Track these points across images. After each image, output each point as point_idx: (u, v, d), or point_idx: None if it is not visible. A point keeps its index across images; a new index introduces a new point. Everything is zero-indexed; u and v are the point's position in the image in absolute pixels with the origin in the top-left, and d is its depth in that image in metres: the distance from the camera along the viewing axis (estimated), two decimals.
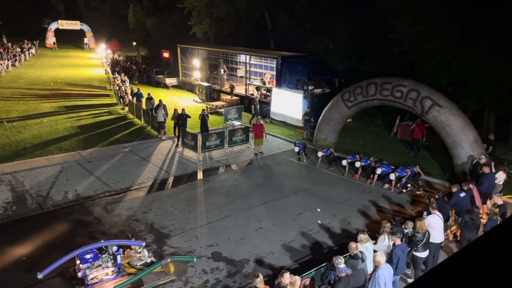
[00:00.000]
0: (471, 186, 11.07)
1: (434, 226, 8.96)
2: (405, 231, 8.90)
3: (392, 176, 13.38)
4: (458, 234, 10.49)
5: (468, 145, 13.96)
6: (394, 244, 8.01)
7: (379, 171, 13.75)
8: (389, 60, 22.89)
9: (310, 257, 9.84)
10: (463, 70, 16.83)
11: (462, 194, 10.55)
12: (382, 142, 19.15)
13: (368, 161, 14.51)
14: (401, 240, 8.10)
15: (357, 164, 14.31)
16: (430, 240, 8.77)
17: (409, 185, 13.67)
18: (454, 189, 10.69)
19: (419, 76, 17.41)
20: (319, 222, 11.44)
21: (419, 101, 14.52)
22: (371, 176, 14.30)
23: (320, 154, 15.56)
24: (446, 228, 10.06)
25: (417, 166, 13.93)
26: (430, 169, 15.70)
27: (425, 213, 9.76)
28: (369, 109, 19.73)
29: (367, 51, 25.36)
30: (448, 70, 17.40)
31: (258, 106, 21.54)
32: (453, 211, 10.85)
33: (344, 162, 14.77)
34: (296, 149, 16.33)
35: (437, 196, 10.48)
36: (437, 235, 9.00)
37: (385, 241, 8.36)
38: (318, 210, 11.87)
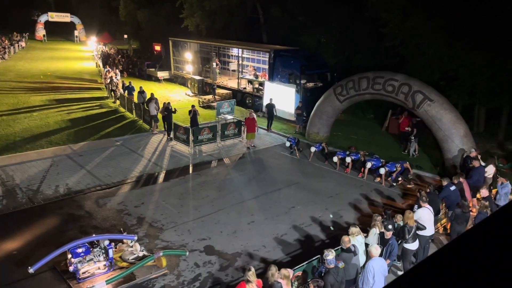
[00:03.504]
0: (461, 179, 11.19)
1: (425, 219, 9.05)
2: (396, 224, 8.99)
3: (382, 171, 13.51)
4: (448, 227, 10.62)
5: (458, 139, 14.08)
6: (384, 237, 8.12)
7: (369, 165, 13.87)
8: (381, 55, 22.96)
9: (302, 250, 9.89)
10: (454, 65, 16.96)
11: (452, 188, 10.66)
12: (374, 136, 19.26)
13: (359, 155, 14.61)
14: (392, 233, 8.20)
15: (348, 159, 14.40)
16: (421, 233, 8.87)
17: (400, 179, 13.77)
18: (445, 183, 10.80)
19: (410, 71, 17.50)
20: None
21: (410, 95, 14.60)
22: (362, 170, 14.40)
23: (313, 149, 15.61)
24: (436, 221, 10.17)
25: (407, 162, 14.05)
26: (421, 163, 15.84)
27: (415, 206, 9.86)
28: (361, 103, 19.81)
29: (359, 45, 25.41)
30: (439, 64, 17.52)
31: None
32: (443, 204, 10.97)
33: (335, 158, 14.85)
34: (288, 143, 16.35)
35: (428, 190, 10.58)
36: (428, 228, 9.09)
37: (376, 234, 8.44)
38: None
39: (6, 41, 46.53)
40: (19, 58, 41.80)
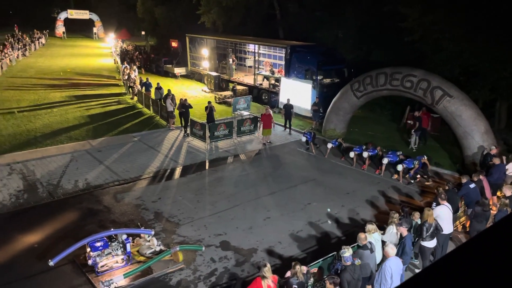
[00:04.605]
0: (481, 177, 10.98)
1: (443, 217, 8.92)
2: (413, 222, 8.88)
3: (400, 167, 13.31)
4: (467, 225, 10.44)
5: (478, 136, 13.81)
6: (401, 235, 8.01)
7: (385, 160, 13.70)
8: (399, 50, 22.63)
9: (318, 247, 9.87)
10: (474, 60, 16.60)
11: (472, 185, 10.47)
12: (392, 133, 19.02)
13: (376, 151, 14.44)
14: (408, 231, 8.10)
15: (365, 154, 14.25)
16: (439, 231, 8.74)
17: (418, 176, 13.58)
18: (464, 180, 10.61)
19: (430, 66, 17.21)
20: (329, 210, 11.45)
21: (429, 91, 14.37)
22: (379, 166, 14.25)
23: (329, 145, 15.51)
24: (455, 219, 10.01)
25: (425, 157, 13.82)
26: (440, 160, 15.59)
27: (434, 204, 9.71)
28: (379, 99, 19.57)
29: (377, 40, 25.09)
30: (459, 60, 17.17)
31: None
32: (462, 202, 10.78)
33: (352, 154, 14.70)
34: (303, 139, 16.25)
35: (446, 187, 10.42)
36: (446, 226, 8.96)
37: (393, 232, 8.35)
38: (328, 210, 11.72)
39: (27, 38, 47.45)
40: (40, 55, 42.60)
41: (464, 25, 16.24)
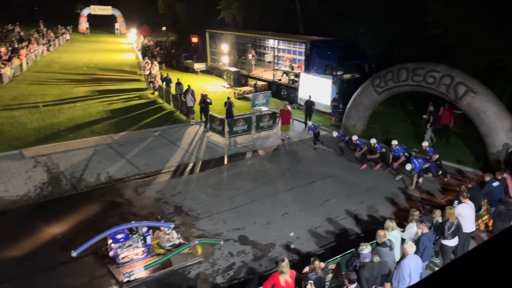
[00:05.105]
0: (505, 175, 10.72)
1: (465, 215, 8.76)
2: (434, 219, 8.75)
3: (408, 167, 12.65)
4: (490, 224, 10.22)
5: (503, 133, 13.47)
6: (421, 232, 7.89)
7: (409, 166, 12.72)
8: (422, 45, 22.18)
9: (336, 244, 9.83)
10: (501, 55, 16.16)
11: (495, 184, 10.23)
12: (413, 129, 18.71)
13: (381, 147, 14.12)
14: (429, 229, 7.97)
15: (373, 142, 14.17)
16: (460, 230, 8.58)
17: (429, 174, 13.23)
18: (487, 178, 10.38)
19: (453, 61, 16.82)
20: (292, 234, 10.18)
21: (452, 87, 14.07)
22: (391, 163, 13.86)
23: (335, 134, 15.49)
24: (477, 218, 9.82)
25: (434, 155, 13.21)
26: (463, 157, 15.28)
27: (456, 202, 9.54)
28: (400, 95, 19.25)
29: (400, 35, 24.63)
30: (484, 55, 16.74)
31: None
32: (485, 201, 10.55)
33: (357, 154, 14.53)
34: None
35: (469, 185, 10.22)
36: (468, 224, 8.80)
37: (413, 229, 8.24)
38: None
39: (52, 34, 48.42)
40: (64, 50, 43.46)
41: (490, 18, 15.81)
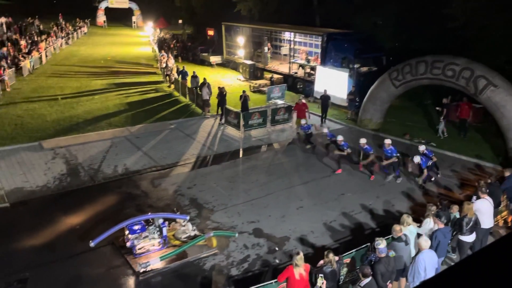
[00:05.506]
0: None
1: (483, 210, 8.63)
2: (451, 215, 8.64)
3: (416, 159, 11.91)
4: (510, 220, 10.05)
5: None
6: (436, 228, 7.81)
7: (417, 159, 12.02)
8: (441, 38, 21.75)
9: (351, 238, 9.80)
10: None
11: None
12: (431, 123, 18.40)
13: (371, 149, 13.08)
14: (446, 224, 7.87)
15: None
16: (478, 226, 8.46)
17: (432, 178, 12.36)
18: (507, 174, 10.20)
19: (473, 54, 16.48)
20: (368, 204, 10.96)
21: (472, 81, 13.80)
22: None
23: (325, 130, 14.72)
24: (496, 214, 9.65)
25: (435, 158, 12.43)
26: (482, 152, 14.99)
27: (474, 197, 9.39)
28: (418, 89, 18.96)
29: (418, 27, 24.20)
30: (505, 47, 16.34)
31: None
32: (505, 196, 10.36)
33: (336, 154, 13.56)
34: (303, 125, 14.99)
35: (489, 181, 10.04)
36: (486, 220, 8.67)
37: (430, 225, 8.15)
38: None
39: (70, 27, 49.04)
40: (82, 43, 44.00)
41: (511, 10, 15.42)
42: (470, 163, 14.06)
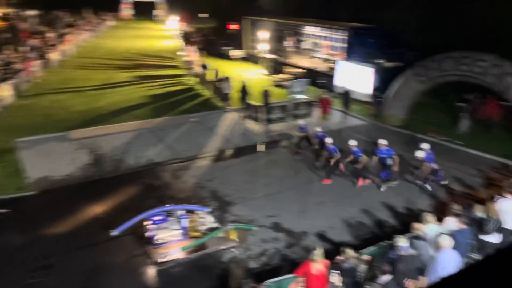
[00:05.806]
0: None
1: (507, 211, 8.41)
2: (474, 214, 8.45)
3: (420, 154, 11.50)
4: None
5: None
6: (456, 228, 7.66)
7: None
8: (468, 33, 21.16)
9: (371, 235, 9.72)
10: None
11: None
12: (457, 121, 17.94)
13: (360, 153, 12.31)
14: (469, 225, 7.71)
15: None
16: (502, 226, 8.26)
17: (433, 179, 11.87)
18: None
19: (503, 51, 15.98)
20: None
21: (501, 78, 13.40)
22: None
23: (318, 129, 14.00)
24: None
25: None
26: (509, 151, 14.57)
27: (498, 197, 9.16)
28: (444, 85, 18.52)
29: (446, 22, 23.61)
30: None
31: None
32: None
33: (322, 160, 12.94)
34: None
35: None
36: (510, 220, 8.45)
37: (451, 224, 8.00)
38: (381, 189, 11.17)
39: (96, 20, 49.89)
40: (108, 36, 44.73)
41: None
42: (496, 162, 13.69)
